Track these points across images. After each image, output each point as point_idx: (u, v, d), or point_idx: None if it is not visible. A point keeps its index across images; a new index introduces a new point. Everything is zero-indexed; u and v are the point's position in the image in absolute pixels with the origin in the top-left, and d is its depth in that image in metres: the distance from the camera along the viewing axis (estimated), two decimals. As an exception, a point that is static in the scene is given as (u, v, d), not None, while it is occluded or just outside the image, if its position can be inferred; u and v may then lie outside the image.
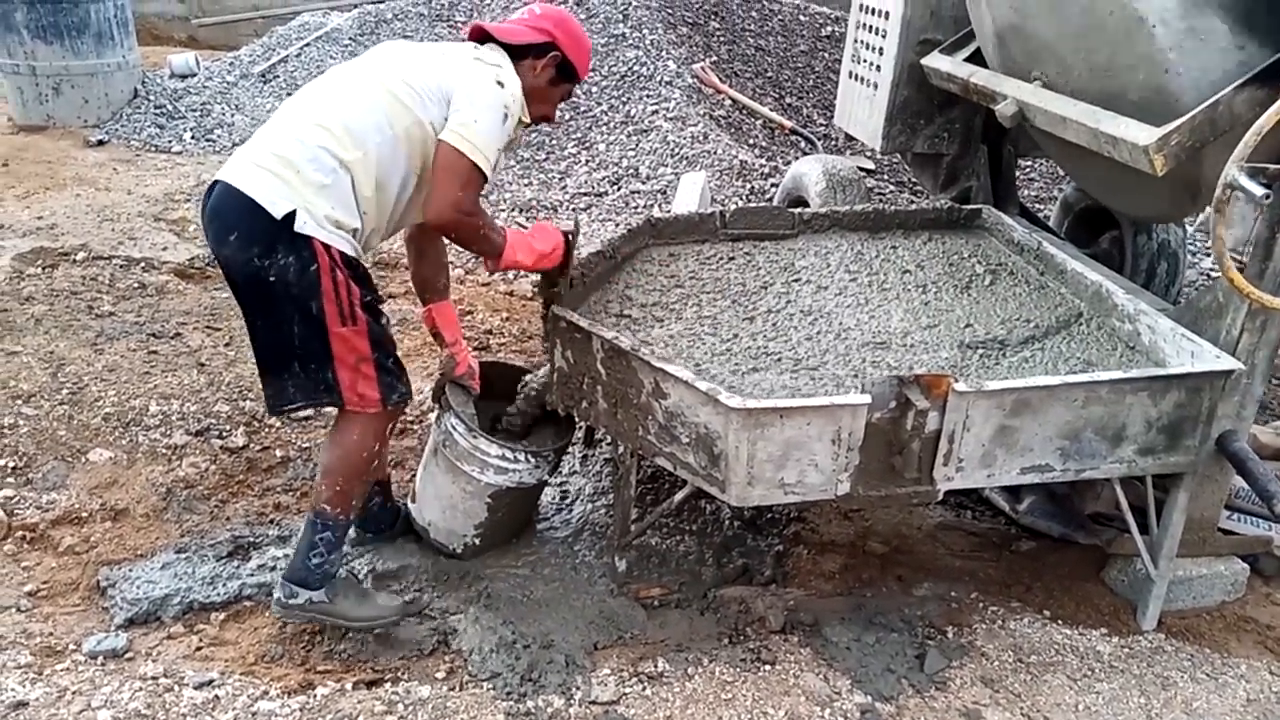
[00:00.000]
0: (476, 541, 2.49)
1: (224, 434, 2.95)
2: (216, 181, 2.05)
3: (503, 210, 4.95)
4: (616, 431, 2.27)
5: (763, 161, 5.24)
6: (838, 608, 2.37)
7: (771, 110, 6.01)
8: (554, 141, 5.63)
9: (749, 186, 4.96)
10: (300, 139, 2.01)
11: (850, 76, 3.78)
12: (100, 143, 5.51)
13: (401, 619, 2.24)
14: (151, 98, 5.98)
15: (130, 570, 2.40)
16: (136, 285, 3.81)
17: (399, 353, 2.27)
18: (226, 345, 3.41)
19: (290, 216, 1.96)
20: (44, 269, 3.85)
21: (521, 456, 2.40)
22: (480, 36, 2.27)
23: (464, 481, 2.40)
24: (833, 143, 5.93)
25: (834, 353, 2.47)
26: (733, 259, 2.99)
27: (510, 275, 4.32)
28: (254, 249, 1.98)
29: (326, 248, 2.00)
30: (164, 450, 2.84)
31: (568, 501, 2.76)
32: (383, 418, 2.17)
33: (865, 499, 2.07)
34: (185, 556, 2.45)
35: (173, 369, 3.22)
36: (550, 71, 2.26)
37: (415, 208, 2.20)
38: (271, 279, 1.99)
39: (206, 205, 2.07)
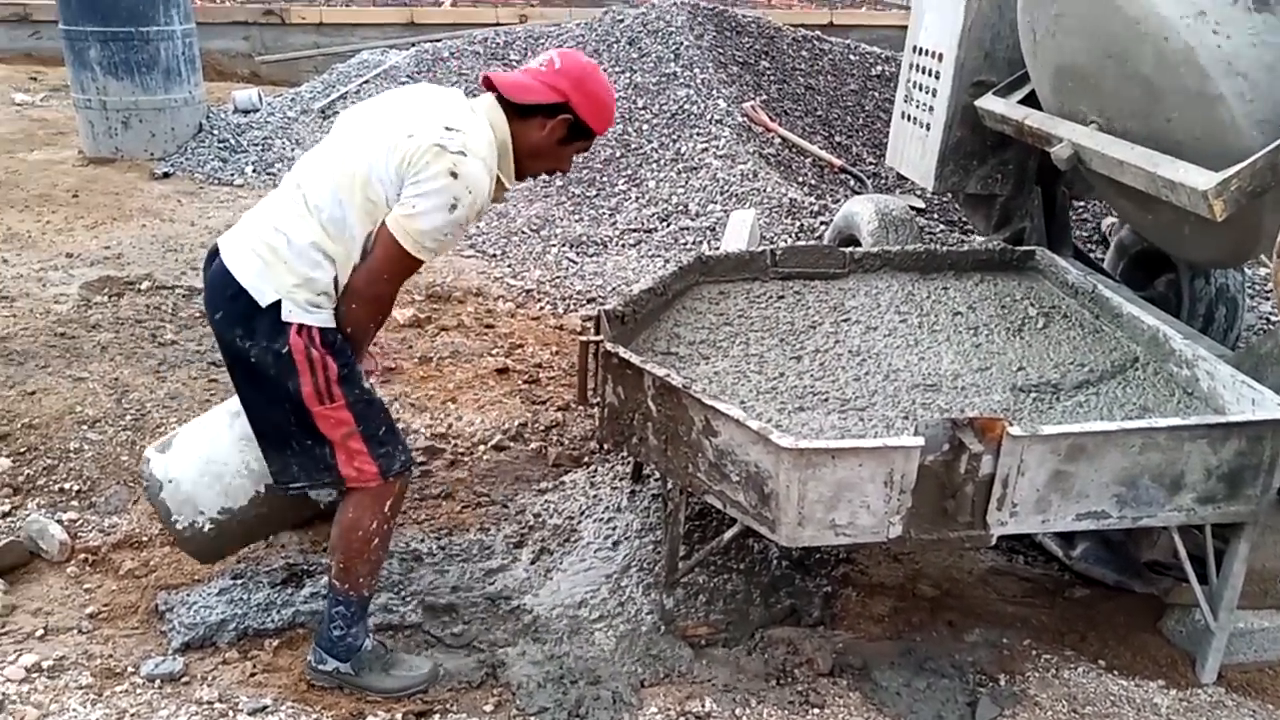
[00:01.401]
0: (207, 528, 2.22)
1: (280, 462, 3.01)
2: (217, 250, 2.10)
3: (554, 245, 5.01)
4: (666, 468, 2.29)
5: (812, 200, 5.25)
6: (887, 651, 2.35)
7: (821, 148, 6.03)
8: (604, 178, 5.70)
9: (798, 224, 4.98)
10: (291, 232, 2.00)
11: (902, 117, 3.80)
12: (166, 175, 5.68)
13: (431, 685, 2.20)
14: (215, 132, 6.16)
15: (187, 595, 2.45)
16: (198, 315, 3.91)
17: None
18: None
19: (275, 306, 1.98)
20: (110, 298, 3.97)
21: None
22: (489, 86, 2.16)
23: (255, 458, 2.18)
24: (882, 181, 5.94)
25: (883, 394, 2.46)
26: (782, 297, 3.00)
27: (561, 309, 4.38)
28: (237, 329, 2.03)
29: (304, 329, 2.00)
30: (222, 477, 2.90)
31: (615, 537, 2.77)
32: (386, 491, 2.12)
33: (917, 542, 2.06)
34: (240, 583, 2.50)
35: (232, 396, 3.29)
36: (561, 132, 2.12)
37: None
38: (253, 359, 2.02)
39: (206, 270, 2.13)
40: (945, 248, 3.24)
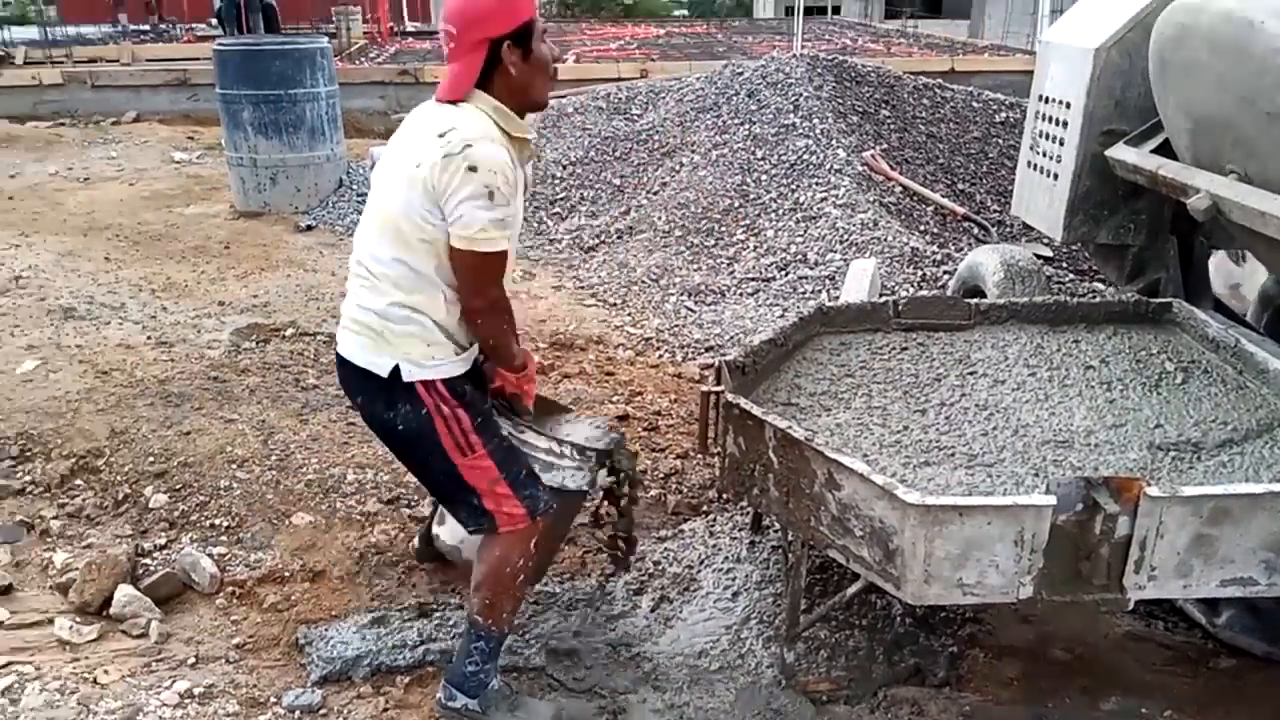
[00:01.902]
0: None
1: (412, 504, 3.13)
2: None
3: (672, 294, 5.09)
4: (787, 521, 2.29)
5: (934, 248, 5.20)
6: (1017, 717, 2.28)
7: (943, 196, 5.97)
8: (723, 228, 5.77)
9: (920, 274, 4.92)
10: (373, 305, 2.07)
11: (1028, 165, 3.74)
12: (309, 228, 6.02)
13: None
14: (354, 186, 6.50)
15: (326, 630, 2.57)
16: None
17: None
18: (415, 419, 3.62)
19: (395, 371, 2.06)
20: (258, 343, 4.22)
21: (568, 451, 2.29)
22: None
23: None
24: (1007, 229, 5.82)
25: (1012, 450, 2.41)
26: (905, 349, 2.98)
27: (679, 357, 4.44)
28: (377, 405, 2.13)
29: (430, 386, 2.07)
30: (358, 517, 3.04)
31: (734, 587, 2.77)
32: (533, 529, 2.20)
33: (1049, 604, 2.01)
34: (375, 619, 2.61)
35: (368, 440, 3.44)
36: (515, 56, 2.02)
37: None
38: (399, 429, 2.12)
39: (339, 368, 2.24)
40: (1076, 299, 3.16)
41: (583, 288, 5.28)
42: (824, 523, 2.14)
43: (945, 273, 4.90)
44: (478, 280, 2.05)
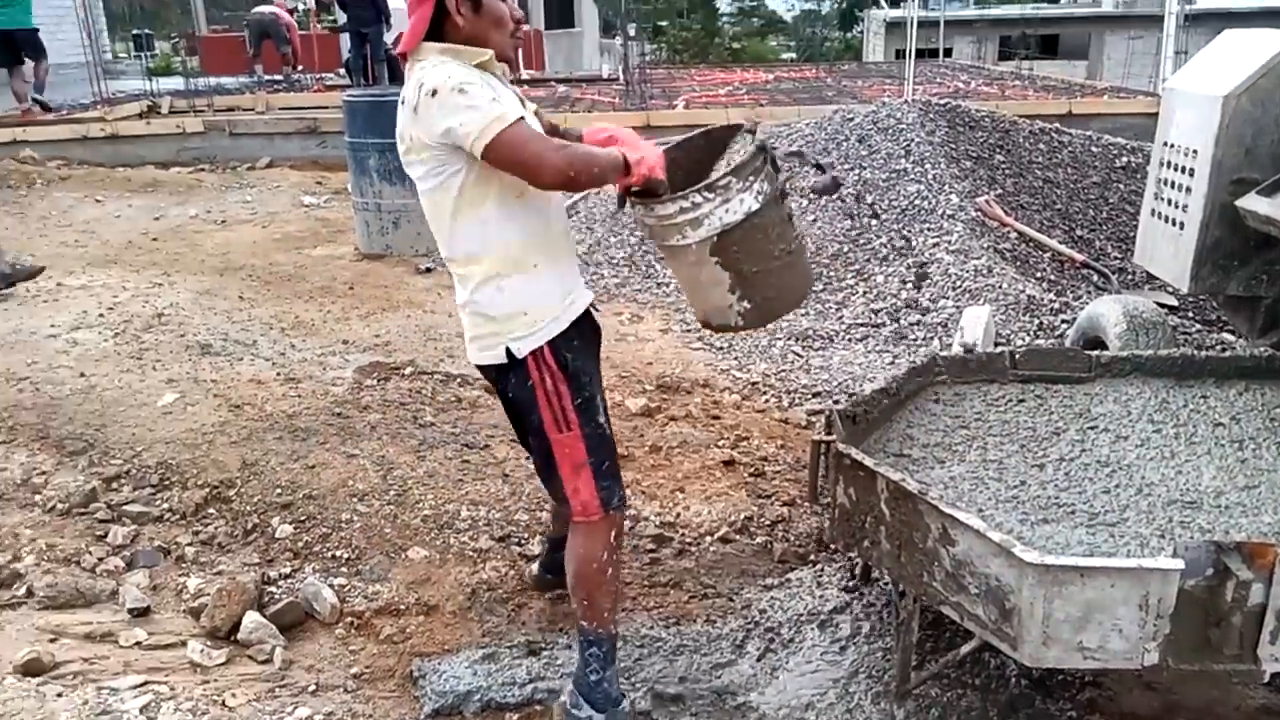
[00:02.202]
0: (746, 305, 2.29)
1: (522, 542, 3.21)
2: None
3: (779, 339, 5.09)
4: (899, 575, 2.27)
5: (1051, 296, 5.07)
6: (1139, 788, 2.19)
7: (1061, 243, 5.83)
8: (831, 273, 5.75)
9: (1036, 322, 4.81)
10: (463, 296, 2.23)
11: (1152, 214, 3.63)
12: (428, 270, 6.25)
13: None
14: (470, 230, 6.73)
15: (439, 664, 2.64)
16: (453, 399, 4.25)
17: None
18: (527, 459, 3.70)
19: (509, 354, 2.18)
20: (379, 381, 4.38)
21: (698, 197, 2.14)
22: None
23: (683, 257, 2.24)
24: (1128, 277, 5.65)
25: (1135, 509, 2.34)
26: (1022, 401, 2.92)
27: (786, 402, 4.43)
28: (506, 387, 2.28)
29: (538, 356, 2.17)
30: (471, 553, 3.12)
31: (842, 640, 2.74)
32: (605, 525, 2.26)
33: (1175, 672, 1.93)
34: (486, 655, 2.67)
35: (481, 478, 3.55)
36: (466, 8, 2.10)
37: (539, 203, 2.19)
38: (510, 396, 2.28)
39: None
40: (1204, 353, 3.05)
41: (690, 331, 5.32)
42: (937, 578, 2.11)
43: (1063, 322, 4.78)
44: (529, 161, 2.00)
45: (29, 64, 10.80)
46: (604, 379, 2.41)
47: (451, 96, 1.99)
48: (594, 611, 2.28)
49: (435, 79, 2.01)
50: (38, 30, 10.68)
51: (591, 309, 2.33)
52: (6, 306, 5.30)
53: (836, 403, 3.91)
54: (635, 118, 10.60)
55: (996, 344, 4.60)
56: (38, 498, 3.33)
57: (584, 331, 2.28)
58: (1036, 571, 1.87)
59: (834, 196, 6.16)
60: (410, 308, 5.48)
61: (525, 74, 16.39)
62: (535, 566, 2.96)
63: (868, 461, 2.27)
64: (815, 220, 6.08)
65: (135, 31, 24.70)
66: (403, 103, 2.11)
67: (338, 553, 3.12)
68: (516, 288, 2.15)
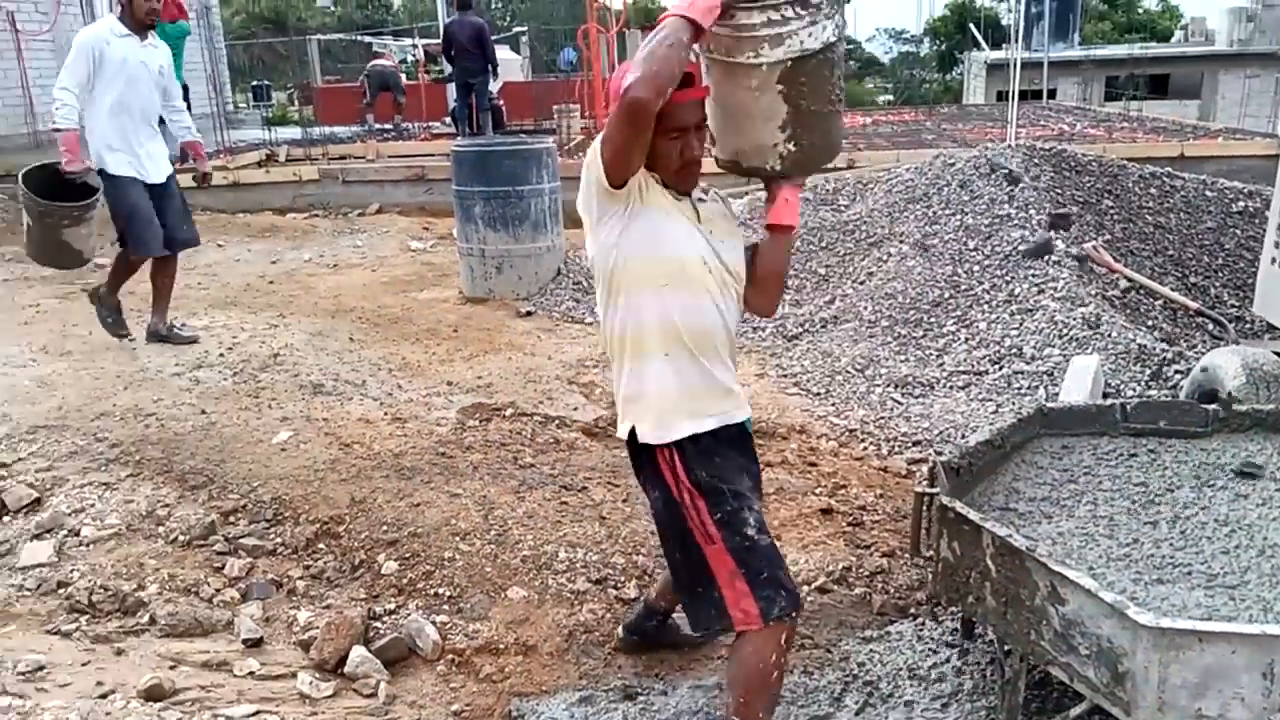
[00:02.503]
0: (791, 146, 2.15)
1: (618, 585, 3.23)
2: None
3: (878, 385, 5.04)
4: (1005, 632, 2.22)
5: (1164, 346, 4.91)
6: None
7: (1173, 290, 5.64)
8: (932, 319, 5.67)
9: (1148, 373, 4.66)
10: (617, 375, 2.27)
11: (1273, 262, 3.51)
12: (528, 314, 6.40)
13: None
14: (571, 275, 6.87)
15: (537, 704, 2.68)
16: (552, 440, 4.33)
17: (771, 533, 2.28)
18: (624, 501, 3.75)
19: (631, 433, 2.21)
20: (481, 422, 4.49)
21: (789, 11, 2.00)
22: None
23: (743, 78, 2.07)
24: (1247, 326, 5.42)
25: (1258, 571, 2.24)
26: (1134, 455, 2.84)
27: (885, 450, 4.37)
28: (643, 481, 2.31)
29: (669, 459, 2.17)
30: (568, 594, 3.16)
31: (944, 698, 2.68)
32: (772, 633, 2.16)
33: (1303, 746, 1.84)
34: (583, 698, 2.69)
35: (579, 519, 3.59)
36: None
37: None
38: (656, 506, 2.26)
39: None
40: (1331, 409, 2.92)
41: (785, 376, 5.31)
42: (1045, 637, 2.06)
43: (1177, 373, 4.61)
44: (617, 110, 1.95)
45: None
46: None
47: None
48: (748, 712, 2.17)
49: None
50: (187, 87, 11.41)
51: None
52: (135, 346, 5.62)
53: (939, 453, 3.85)
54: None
55: (1106, 395, 4.46)
56: (161, 529, 3.50)
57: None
58: (1152, 635, 1.81)
59: (935, 240, 6.10)
60: (511, 350, 5.60)
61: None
62: (620, 630, 2.91)
63: (973, 515, 2.24)
64: (915, 266, 6.02)
65: (255, 83, 26.04)
66: None
67: (440, 590, 3.19)
68: (641, 375, 2.23)
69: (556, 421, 4.54)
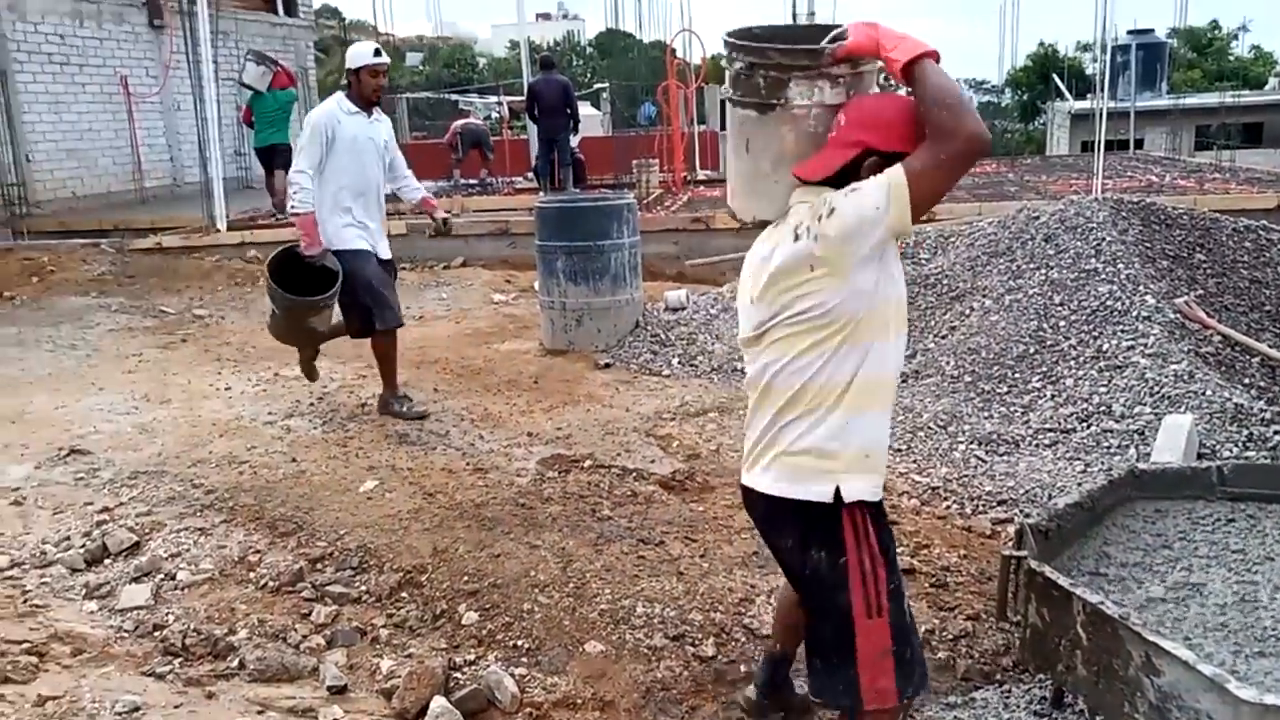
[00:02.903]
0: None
1: (696, 642, 3.22)
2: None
3: (961, 442, 4.95)
4: (1096, 703, 2.15)
5: (1262, 405, 4.73)
6: None
7: (1271, 347, 5.44)
8: (1016, 374, 5.57)
9: (1245, 433, 4.49)
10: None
11: (1380, 321, 3.38)
12: (607, 365, 6.47)
13: None
14: (649, 328, 6.93)
15: (614, 761, 2.68)
16: (629, 494, 4.35)
17: None
18: (702, 557, 3.74)
19: (826, 503, 2.04)
20: (560, 473, 4.54)
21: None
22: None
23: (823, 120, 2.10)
24: (1354, 384, 5.20)
25: (1370, 647, 2.14)
26: (1232, 521, 2.75)
27: (969, 509, 4.29)
28: (785, 539, 2.17)
29: (861, 521, 2.03)
30: (645, 650, 3.16)
31: (1033, 768, 2.60)
32: (899, 710, 2.14)
33: None
34: (661, 757, 2.68)
35: (656, 574, 3.60)
36: (869, 173, 2.01)
37: None
38: (809, 574, 2.10)
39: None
40: None
41: (866, 432, 5.26)
42: (1140, 709, 2.00)
43: (1276, 434, 4.44)
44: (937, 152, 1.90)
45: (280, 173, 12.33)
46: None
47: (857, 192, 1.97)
48: None
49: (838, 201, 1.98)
50: (291, 148, 12.05)
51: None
52: (232, 395, 5.84)
53: (1026, 515, 3.77)
54: (811, 216, 10.68)
55: (1200, 456, 4.32)
56: (252, 574, 3.61)
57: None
58: (1255, 712, 1.74)
59: (1019, 295, 6.01)
60: (590, 402, 5.67)
61: (701, 174, 16.88)
62: (751, 690, 2.75)
63: (1063, 581, 2.19)
64: (998, 321, 5.93)
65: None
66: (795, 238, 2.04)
67: (519, 642, 3.22)
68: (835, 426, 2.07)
69: (634, 474, 4.56)
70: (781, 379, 2.07)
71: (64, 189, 13.84)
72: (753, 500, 2.22)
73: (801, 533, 2.11)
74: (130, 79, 15.10)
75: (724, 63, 2.25)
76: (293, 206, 5.01)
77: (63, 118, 13.90)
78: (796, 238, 2.02)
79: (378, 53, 5.14)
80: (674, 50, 16.09)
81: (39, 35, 13.50)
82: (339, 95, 5.24)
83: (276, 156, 11.87)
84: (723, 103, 24.50)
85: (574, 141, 13.87)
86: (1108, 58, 12.63)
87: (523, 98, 15.86)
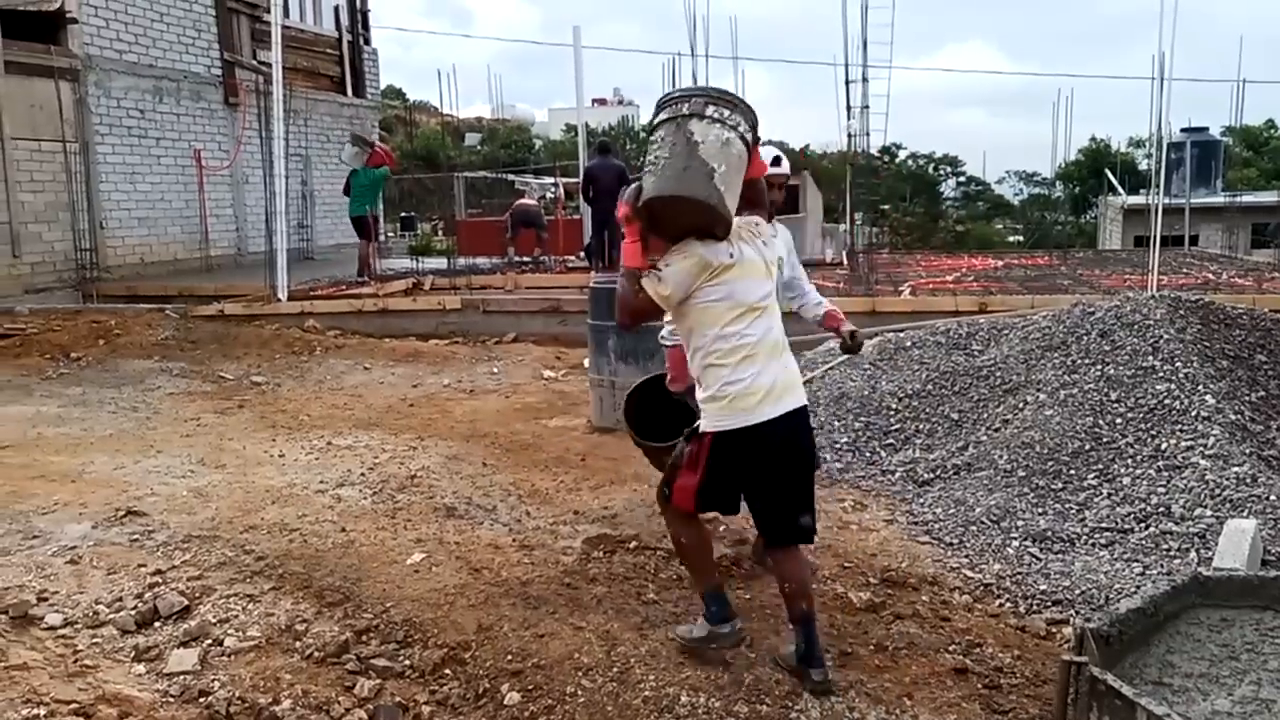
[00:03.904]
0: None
1: (741, 735, 3.15)
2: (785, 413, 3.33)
3: (1015, 538, 4.86)
4: (1163, 820, 2.07)
5: (1330, 512, 4.59)
6: None
7: (1339, 452, 5.29)
8: (1071, 471, 5.47)
9: (1314, 541, 4.36)
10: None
11: None
12: (654, 446, 6.46)
13: None
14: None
15: None
16: (675, 577, 4.31)
17: None
18: (748, 646, 3.68)
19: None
20: (606, 553, 4.52)
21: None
22: None
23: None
24: None
25: None
26: (1303, 634, 2.65)
27: (1023, 608, 4.18)
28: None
29: None
30: (690, 741, 3.10)
31: None
32: None
33: None
34: None
35: (702, 663, 3.54)
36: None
37: None
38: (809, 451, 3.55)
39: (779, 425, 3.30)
40: None
41: (916, 524, 5.18)
42: (1210, 831, 1.92)
43: (1347, 543, 4.30)
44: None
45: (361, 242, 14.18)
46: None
47: None
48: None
49: None
50: (378, 218, 14.61)
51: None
52: (285, 462, 5.93)
53: (1086, 618, 3.67)
54: (860, 303, 10.72)
55: (1265, 563, 4.19)
56: (298, 644, 3.62)
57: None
58: (1334, 840, 1.67)
59: (1074, 390, 5.94)
60: (636, 482, 5.66)
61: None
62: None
63: (1127, 690, 2.13)
64: (1053, 416, 5.85)
65: (404, 214, 27.71)
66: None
67: (562, 727, 3.17)
68: None
69: (680, 558, 4.52)
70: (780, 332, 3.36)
71: (133, 255, 14.35)
72: (788, 419, 3.28)
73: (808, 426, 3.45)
74: (203, 152, 15.73)
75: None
76: (662, 336, 4.64)
77: (137, 187, 14.48)
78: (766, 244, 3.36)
79: (777, 161, 4.17)
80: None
81: (121, 110, 14.16)
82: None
83: (363, 226, 13.76)
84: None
85: (627, 223, 14.09)
86: (1163, 155, 12.61)
87: (577, 179, 16.22)
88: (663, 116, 3.14)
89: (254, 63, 16.39)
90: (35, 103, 12.65)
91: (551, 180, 25.53)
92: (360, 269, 13.97)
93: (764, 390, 3.23)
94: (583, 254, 15.56)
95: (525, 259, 15.91)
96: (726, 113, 3.10)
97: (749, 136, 3.16)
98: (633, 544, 4.65)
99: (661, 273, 3.15)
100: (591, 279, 7.71)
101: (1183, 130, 26.55)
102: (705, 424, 3.34)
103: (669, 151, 3.06)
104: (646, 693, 3.33)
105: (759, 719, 3.23)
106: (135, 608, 3.81)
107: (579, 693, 3.32)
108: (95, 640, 3.62)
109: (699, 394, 3.35)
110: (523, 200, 16.89)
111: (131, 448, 6.26)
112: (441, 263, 15.59)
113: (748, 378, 3.22)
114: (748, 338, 3.22)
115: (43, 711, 3.02)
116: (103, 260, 13.59)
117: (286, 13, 16.80)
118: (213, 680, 3.36)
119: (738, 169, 3.11)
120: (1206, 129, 30.11)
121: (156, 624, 3.75)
